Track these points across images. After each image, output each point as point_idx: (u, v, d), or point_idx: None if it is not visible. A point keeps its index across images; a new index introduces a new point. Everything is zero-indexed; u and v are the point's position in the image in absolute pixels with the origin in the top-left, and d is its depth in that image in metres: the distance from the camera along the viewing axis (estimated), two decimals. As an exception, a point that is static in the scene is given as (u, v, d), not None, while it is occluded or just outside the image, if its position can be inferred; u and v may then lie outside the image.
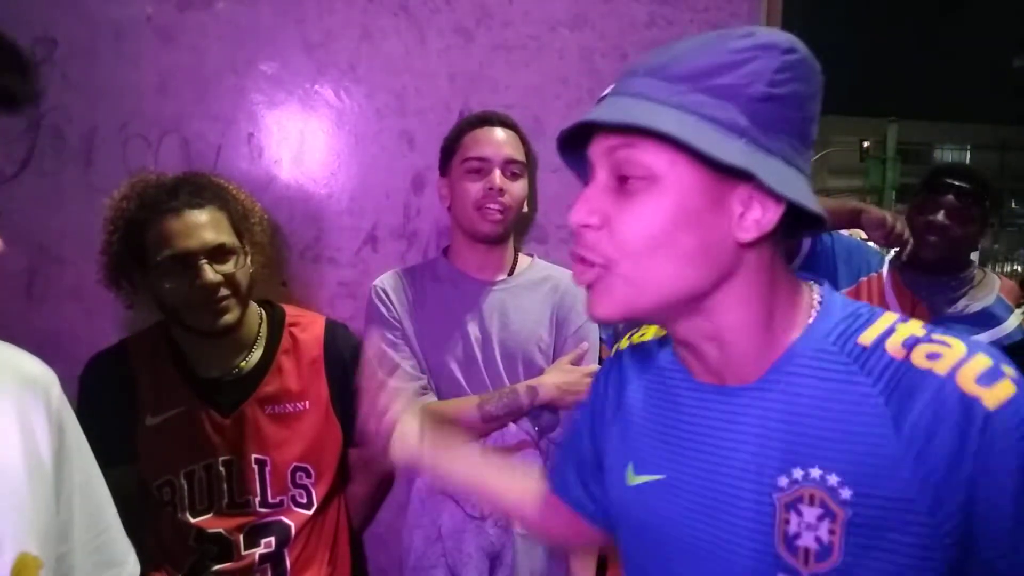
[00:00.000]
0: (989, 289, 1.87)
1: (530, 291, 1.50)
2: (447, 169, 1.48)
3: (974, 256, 1.99)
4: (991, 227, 1.88)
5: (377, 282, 1.51)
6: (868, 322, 0.67)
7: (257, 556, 1.34)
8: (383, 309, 1.47)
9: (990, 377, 0.59)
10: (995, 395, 0.58)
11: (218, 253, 1.26)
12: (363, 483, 1.57)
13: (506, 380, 1.44)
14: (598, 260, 0.66)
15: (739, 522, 0.67)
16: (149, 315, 1.38)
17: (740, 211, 0.64)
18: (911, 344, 0.63)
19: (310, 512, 1.39)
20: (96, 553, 0.78)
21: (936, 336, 0.63)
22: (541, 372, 1.47)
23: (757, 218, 0.64)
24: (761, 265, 0.67)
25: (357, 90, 1.63)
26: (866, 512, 0.61)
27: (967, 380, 0.59)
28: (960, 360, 0.60)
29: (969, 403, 0.58)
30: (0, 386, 0.68)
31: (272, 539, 1.35)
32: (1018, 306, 1.83)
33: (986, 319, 1.82)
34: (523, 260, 1.56)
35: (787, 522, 0.64)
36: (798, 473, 0.64)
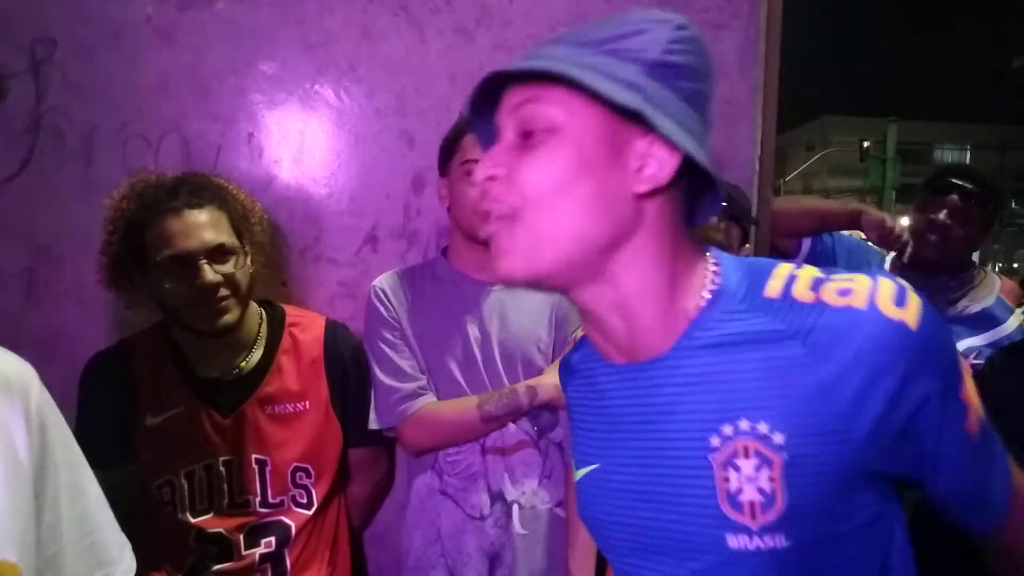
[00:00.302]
0: (989, 290, 1.87)
1: (526, 294, 1.49)
2: (447, 169, 1.47)
3: (975, 257, 1.99)
4: (991, 229, 1.89)
5: (376, 282, 1.50)
6: (767, 275, 0.69)
7: (257, 556, 1.34)
8: (382, 309, 1.46)
9: (901, 298, 0.62)
10: (911, 314, 0.62)
11: (218, 253, 1.26)
12: (363, 483, 1.57)
13: (505, 381, 1.44)
14: (504, 211, 0.68)
15: (679, 492, 0.68)
16: (149, 315, 1.38)
17: (637, 165, 0.66)
18: (817, 285, 0.65)
19: (310, 512, 1.39)
20: (87, 552, 0.77)
21: (835, 275, 0.66)
22: (540, 372, 1.47)
23: (653, 172, 0.66)
24: (662, 223, 0.68)
25: (357, 90, 1.63)
26: (800, 452, 0.62)
27: (887, 306, 0.62)
28: (871, 289, 0.63)
29: (896, 327, 0.61)
30: None
31: (272, 539, 1.35)
32: (1018, 305, 1.83)
33: (986, 320, 1.82)
34: None
35: (726, 480, 0.65)
36: (728, 429, 0.65)
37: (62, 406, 0.80)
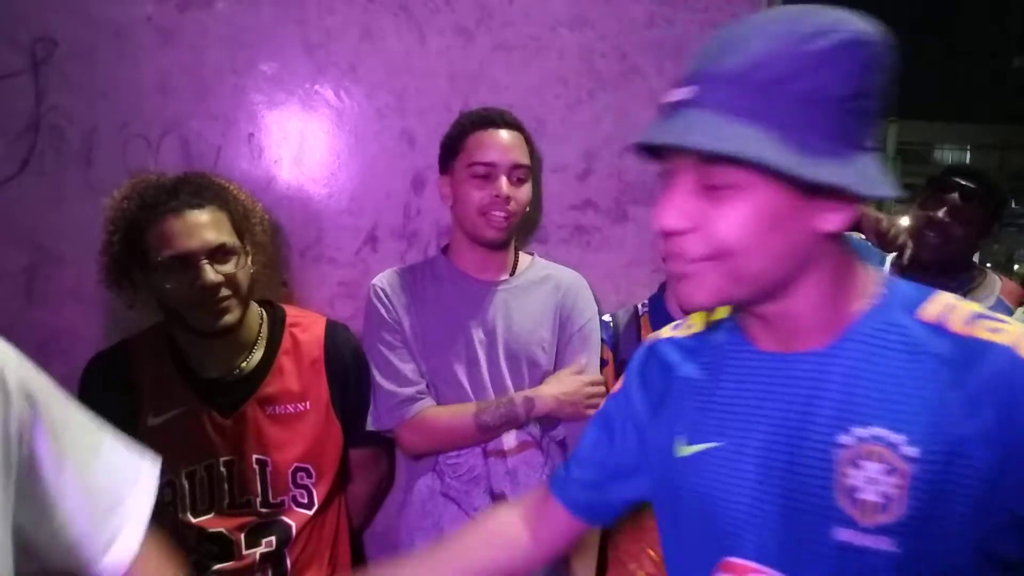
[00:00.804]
0: (989, 291, 1.87)
1: (532, 291, 1.50)
2: (449, 168, 1.45)
3: (975, 258, 1.99)
4: (992, 230, 1.88)
5: (376, 281, 1.49)
6: (926, 298, 0.72)
7: (258, 556, 1.34)
8: (382, 310, 1.46)
9: None
10: None
11: (219, 253, 1.26)
12: (363, 483, 1.57)
13: (509, 382, 1.44)
14: (696, 259, 0.69)
15: (799, 479, 0.71)
16: (150, 315, 1.38)
17: (826, 209, 0.68)
18: (972, 320, 0.68)
19: (311, 512, 1.39)
20: (96, 506, 0.78)
21: (993, 315, 0.69)
22: (545, 373, 1.47)
23: (841, 217, 0.68)
24: (837, 249, 0.72)
25: (357, 90, 1.63)
26: (931, 469, 0.64)
27: None
28: (1020, 333, 0.66)
29: None
30: None
31: (273, 539, 1.35)
32: (1019, 306, 1.83)
33: None
34: (524, 259, 1.55)
35: (846, 476, 0.68)
36: (861, 431, 0.68)
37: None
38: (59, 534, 0.75)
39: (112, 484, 0.81)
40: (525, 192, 1.44)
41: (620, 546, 1.54)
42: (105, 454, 0.82)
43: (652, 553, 1.50)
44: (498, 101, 1.64)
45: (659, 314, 1.56)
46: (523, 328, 1.46)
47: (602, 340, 1.55)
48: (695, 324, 0.90)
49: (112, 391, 1.33)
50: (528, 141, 1.47)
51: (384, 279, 1.49)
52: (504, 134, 1.41)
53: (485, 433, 1.40)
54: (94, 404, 1.30)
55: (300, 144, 1.63)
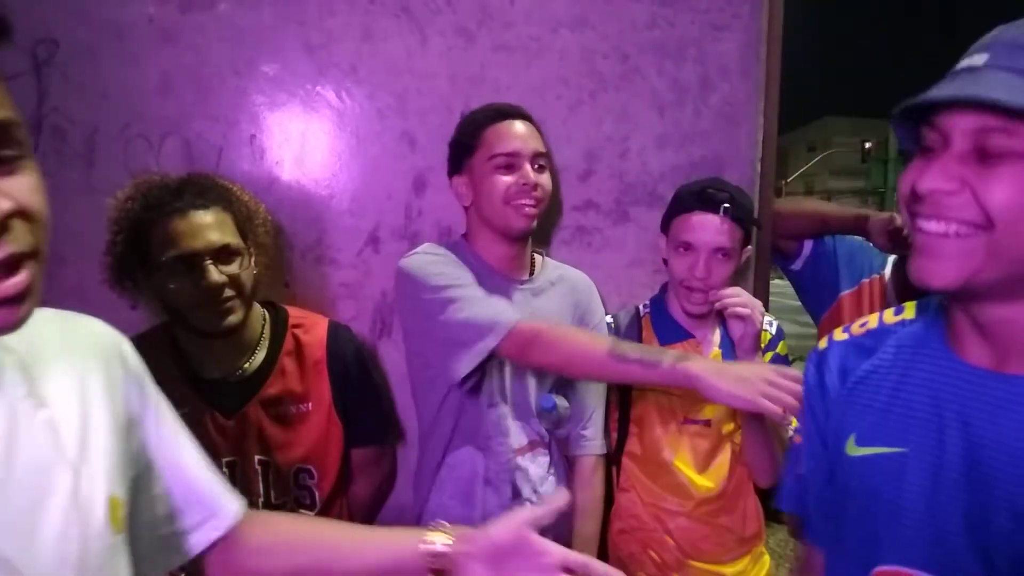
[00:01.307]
0: None
1: (550, 291, 1.48)
2: (466, 167, 1.42)
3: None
4: None
5: (408, 255, 1.40)
6: None
7: (259, 557, 1.34)
8: (436, 257, 1.37)
9: None
10: None
11: (223, 254, 1.26)
12: (365, 484, 1.57)
13: (532, 385, 1.42)
14: (962, 222, 0.67)
15: (994, 498, 0.69)
16: (151, 315, 1.38)
17: None
18: None
19: (313, 513, 1.39)
20: (188, 497, 0.81)
21: None
22: (555, 377, 1.45)
23: None
24: None
25: (358, 91, 1.63)
26: None
27: None
28: None
29: None
30: (84, 351, 0.72)
31: None
32: None
33: None
34: (536, 259, 1.54)
35: None
36: None
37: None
38: (155, 504, 0.78)
39: (203, 474, 0.83)
40: (548, 180, 1.43)
41: (622, 548, 1.54)
42: (194, 450, 0.84)
43: (654, 555, 1.50)
44: (497, 101, 1.64)
45: (661, 315, 1.56)
46: None
47: None
48: (870, 321, 0.88)
49: (114, 392, 1.33)
50: (540, 131, 1.47)
51: (433, 247, 1.42)
52: (521, 124, 1.41)
53: (617, 362, 1.22)
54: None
55: (301, 145, 1.63)
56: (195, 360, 1.36)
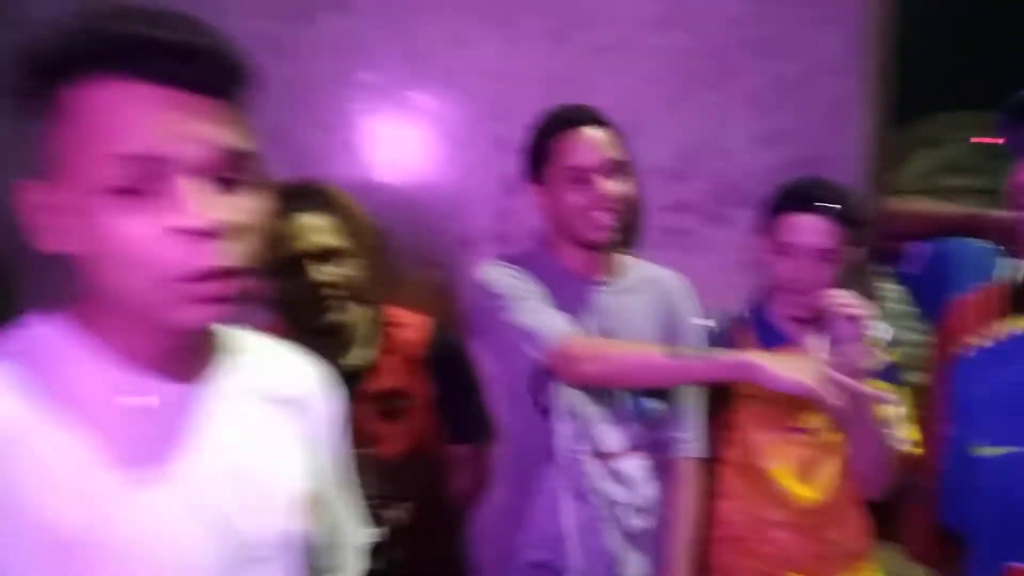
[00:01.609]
0: None
1: (636, 294, 1.43)
2: (541, 176, 1.39)
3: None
4: None
5: (485, 265, 1.39)
6: None
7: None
8: (507, 274, 1.35)
9: None
10: None
11: (324, 255, 1.32)
12: (463, 481, 1.59)
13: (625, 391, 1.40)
14: None
15: None
16: (269, 313, 1.45)
17: None
18: None
19: (417, 505, 1.42)
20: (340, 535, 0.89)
21: None
22: None
23: None
24: None
25: (452, 96, 1.66)
26: None
27: None
28: None
29: None
30: (294, 372, 0.82)
31: (383, 530, 1.39)
32: None
33: None
34: (623, 259, 1.49)
35: None
36: None
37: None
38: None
39: (343, 525, 0.90)
40: (626, 188, 1.37)
41: (720, 557, 1.49)
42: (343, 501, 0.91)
43: (752, 565, 1.45)
44: (590, 103, 1.63)
45: (761, 320, 1.50)
46: (628, 331, 1.40)
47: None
48: (1001, 327, 0.89)
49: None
50: (618, 133, 1.40)
51: (505, 263, 1.40)
52: (592, 131, 1.35)
53: (675, 361, 1.22)
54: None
55: (397, 150, 1.68)
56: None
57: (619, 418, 1.41)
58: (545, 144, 1.38)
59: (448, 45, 1.65)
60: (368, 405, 1.41)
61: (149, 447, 0.62)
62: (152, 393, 0.63)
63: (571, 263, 1.42)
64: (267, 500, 0.69)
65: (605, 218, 1.34)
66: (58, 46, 0.57)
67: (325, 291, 1.31)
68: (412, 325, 1.49)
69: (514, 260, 1.43)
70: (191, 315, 0.60)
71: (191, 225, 0.57)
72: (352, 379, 1.41)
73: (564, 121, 1.36)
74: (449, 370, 1.46)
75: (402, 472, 1.42)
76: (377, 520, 1.39)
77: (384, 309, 1.51)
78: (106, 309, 0.62)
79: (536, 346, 1.29)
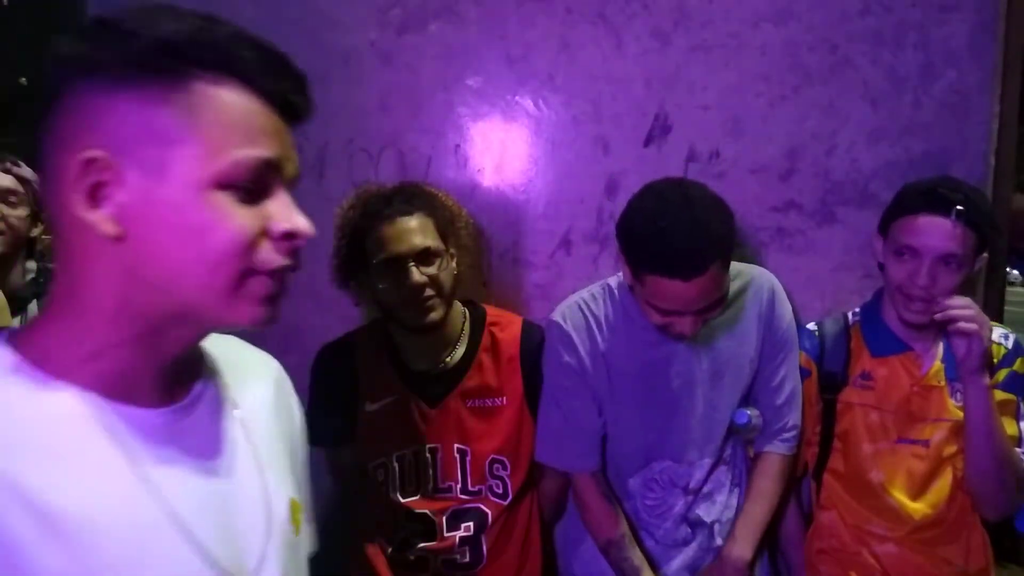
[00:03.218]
0: None
1: (731, 308, 1.38)
2: (632, 280, 1.29)
3: None
4: None
5: (557, 317, 1.40)
6: None
7: (457, 539, 1.44)
8: (564, 354, 1.38)
9: None
10: None
11: (425, 256, 1.38)
12: (553, 480, 1.62)
13: (704, 423, 1.39)
14: None
15: None
16: (372, 312, 1.53)
17: None
18: None
19: (505, 503, 1.46)
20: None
21: None
22: (747, 389, 1.41)
23: None
24: None
25: (555, 99, 1.68)
26: None
27: None
28: None
29: None
30: (261, 370, 0.80)
31: (471, 524, 1.45)
32: None
33: None
34: None
35: None
36: None
37: (297, 389, 0.93)
38: None
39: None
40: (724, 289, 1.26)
41: (821, 569, 1.45)
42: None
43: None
44: (694, 102, 1.62)
45: (874, 325, 1.44)
46: (728, 356, 1.38)
47: (805, 350, 1.47)
48: None
49: (338, 378, 1.50)
50: (724, 265, 1.22)
51: (567, 317, 1.40)
52: (689, 287, 1.16)
53: (608, 548, 1.41)
54: (322, 389, 1.49)
55: (501, 153, 1.72)
56: (404, 353, 1.49)
57: (713, 453, 1.42)
58: (636, 272, 1.25)
59: (552, 49, 1.67)
60: (464, 402, 1.46)
61: (138, 482, 0.59)
62: (141, 421, 0.61)
63: None
64: (259, 517, 0.68)
65: (684, 326, 1.25)
66: (204, 37, 0.58)
67: (426, 292, 1.36)
68: (508, 325, 1.53)
69: (589, 309, 1.40)
70: (250, 313, 0.62)
71: (298, 229, 0.62)
72: (450, 377, 1.47)
73: (657, 265, 1.18)
74: (538, 370, 1.49)
75: (493, 469, 1.47)
76: (465, 515, 1.45)
77: (483, 308, 1.56)
78: (100, 323, 0.60)
79: (557, 461, 1.46)
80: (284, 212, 0.62)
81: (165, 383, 0.64)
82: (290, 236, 0.62)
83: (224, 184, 0.58)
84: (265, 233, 0.61)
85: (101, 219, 0.57)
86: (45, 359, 0.59)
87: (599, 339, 1.38)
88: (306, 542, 0.77)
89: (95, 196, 0.57)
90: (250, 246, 0.60)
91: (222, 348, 0.75)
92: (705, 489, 1.42)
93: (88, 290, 0.60)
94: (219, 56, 0.59)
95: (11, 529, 0.52)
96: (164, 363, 0.64)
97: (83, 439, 0.58)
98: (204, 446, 0.66)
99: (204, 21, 0.59)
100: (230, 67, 0.59)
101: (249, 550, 0.66)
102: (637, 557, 1.39)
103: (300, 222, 0.62)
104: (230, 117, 0.59)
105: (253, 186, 0.60)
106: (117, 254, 0.58)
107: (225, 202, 0.58)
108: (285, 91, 0.62)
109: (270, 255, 0.61)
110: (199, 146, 0.57)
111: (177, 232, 0.58)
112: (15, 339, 0.60)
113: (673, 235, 1.14)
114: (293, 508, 0.72)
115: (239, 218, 0.59)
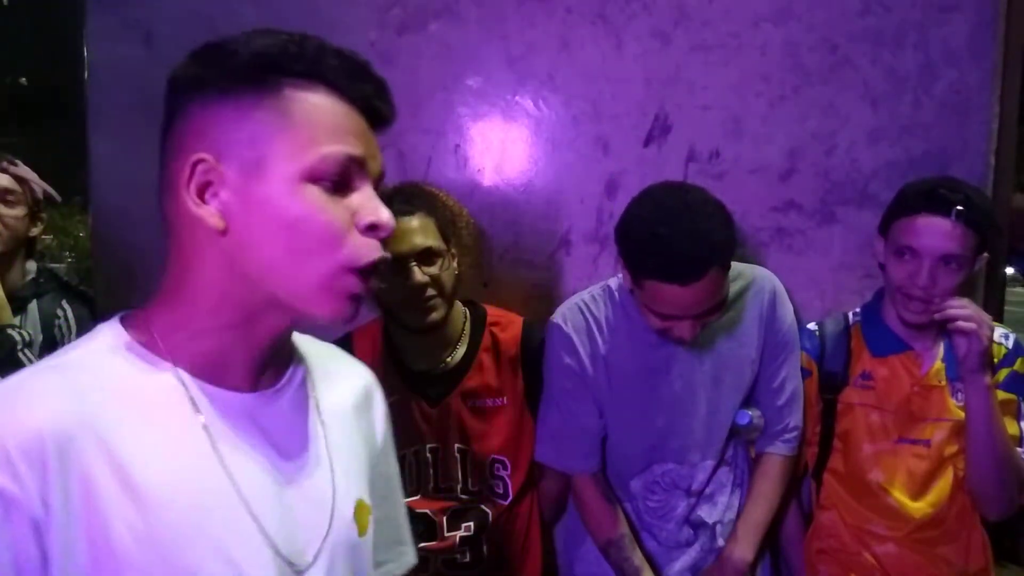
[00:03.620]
0: None
1: (732, 309, 1.39)
2: (631, 284, 1.29)
3: None
4: None
5: (557, 319, 1.41)
6: None
7: (458, 538, 1.44)
8: (565, 357, 1.39)
9: None
10: None
11: (425, 256, 1.37)
12: (554, 480, 1.61)
13: (696, 424, 1.39)
14: None
15: None
16: (373, 311, 1.53)
17: None
18: None
19: (506, 503, 1.46)
20: (395, 528, 0.90)
21: None
22: (749, 389, 1.41)
23: None
24: None
25: (555, 99, 1.68)
26: None
27: None
28: None
29: None
30: (351, 377, 0.85)
31: (471, 524, 1.45)
32: None
33: None
34: None
35: None
36: None
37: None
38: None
39: (403, 520, 0.92)
40: (724, 293, 1.26)
41: (821, 569, 1.45)
42: (401, 493, 0.93)
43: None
44: (694, 102, 1.62)
45: (874, 324, 1.44)
46: (729, 357, 1.39)
47: (806, 350, 1.47)
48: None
49: (338, 377, 1.49)
50: (724, 270, 1.21)
51: (567, 319, 1.40)
52: (688, 291, 1.16)
53: (607, 549, 1.41)
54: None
55: (501, 153, 1.72)
56: (404, 352, 1.49)
57: (716, 455, 1.42)
58: (635, 277, 1.25)
59: (552, 49, 1.67)
60: (465, 402, 1.46)
61: (215, 458, 0.64)
62: (227, 402, 0.67)
63: None
64: (323, 511, 0.71)
65: (684, 331, 1.26)
66: (292, 49, 0.64)
67: (427, 292, 1.36)
68: (509, 325, 1.53)
69: (589, 310, 1.41)
70: (336, 308, 0.65)
71: (383, 221, 0.65)
72: (451, 377, 1.46)
73: (662, 273, 1.18)
74: (538, 370, 1.49)
75: (493, 469, 1.47)
76: (466, 515, 1.45)
77: (483, 308, 1.56)
78: (202, 310, 0.65)
79: (558, 463, 1.46)
80: (370, 205, 0.65)
81: (255, 370, 0.69)
82: (374, 227, 0.65)
83: (314, 177, 0.63)
84: (353, 225, 0.64)
85: (208, 213, 0.63)
86: (151, 340, 0.66)
87: (600, 341, 1.38)
88: (370, 545, 0.78)
89: (203, 195, 0.63)
90: (339, 235, 0.64)
91: (318, 350, 0.81)
92: (707, 491, 1.42)
93: (195, 279, 0.65)
94: (306, 64, 0.64)
95: (97, 482, 0.58)
96: (255, 351, 0.68)
97: (172, 413, 0.64)
98: (282, 434, 0.70)
99: (294, 36, 0.65)
100: (317, 74, 0.65)
101: (308, 540, 0.69)
102: (638, 558, 1.39)
103: (384, 214, 0.66)
104: (318, 117, 0.64)
105: (340, 179, 0.64)
106: (221, 246, 0.64)
107: (315, 194, 0.63)
108: (368, 95, 0.68)
109: (362, 247, 0.65)
110: (290, 143, 0.63)
111: (273, 223, 0.63)
112: (126, 320, 0.68)
113: (672, 241, 1.14)
114: (359, 509, 0.75)
115: (329, 208, 0.63)
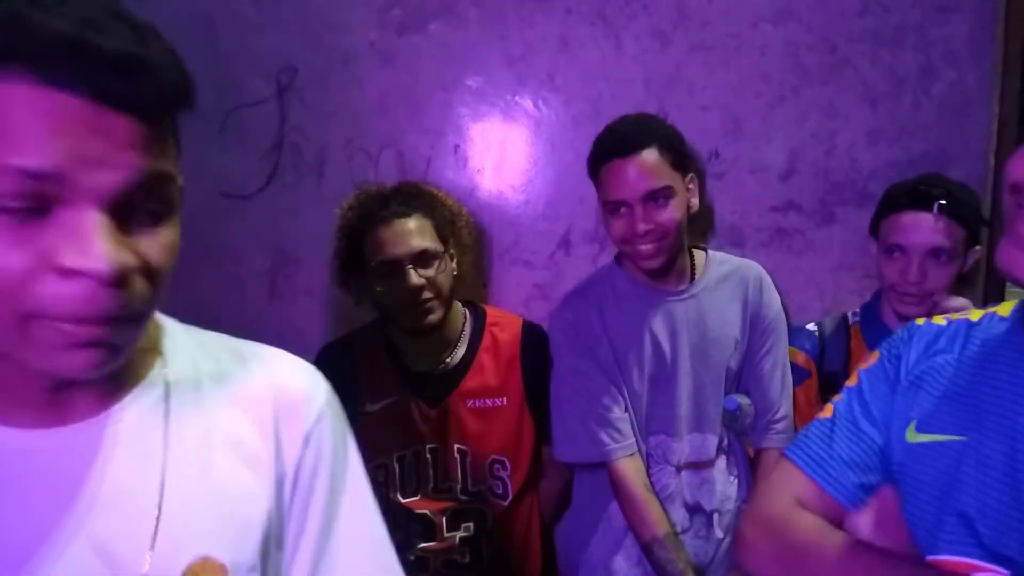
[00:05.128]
0: None
1: (717, 291, 1.44)
2: (598, 196, 1.40)
3: None
4: None
5: (559, 308, 1.49)
6: None
7: (457, 539, 1.44)
8: (573, 340, 1.43)
9: None
10: None
11: (422, 258, 1.37)
12: (555, 479, 1.62)
13: (683, 399, 1.41)
14: None
15: None
16: (372, 311, 1.52)
17: None
18: None
19: (506, 503, 1.46)
20: (375, 564, 0.76)
21: None
22: (734, 375, 1.43)
23: None
24: None
25: (555, 99, 1.68)
26: None
27: None
28: None
29: None
30: (258, 397, 0.67)
31: (471, 524, 1.44)
32: None
33: None
34: (699, 257, 1.48)
35: None
36: None
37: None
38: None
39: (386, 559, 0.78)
40: (670, 212, 1.31)
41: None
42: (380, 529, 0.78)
43: None
44: (694, 103, 1.62)
45: (873, 324, 1.45)
46: (714, 333, 1.42)
47: (805, 350, 1.47)
48: (957, 314, 0.85)
49: (337, 379, 1.46)
50: (671, 148, 1.33)
51: (569, 306, 1.47)
52: (630, 165, 1.29)
53: (651, 546, 1.34)
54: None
55: (501, 153, 1.72)
56: (404, 353, 1.49)
57: (698, 425, 1.42)
58: (594, 170, 1.39)
59: (552, 49, 1.67)
60: (465, 403, 1.46)
61: (38, 504, 0.54)
62: (33, 443, 0.55)
63: (642, 277, 1.43)
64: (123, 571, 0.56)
65: (646, 250, 1.33)
66: None
67: (424, 294, 1.36)
68: (509, 325, 1.53)
69: (588, 288, 1.47)
70: (66, 362, 0.50)
71: (91, 268, 0.47)
72: (451, 378, 1.46)
73: (605, 148, 1.35)
74: (540, 370, 1.49)
75: (493, 469, 1.47)
76: (466, 515, 1.45)
77: (483, 309, 1.56)
78: None
79: (579, 452, 1.43)
80: (81, 242, 0.47)
81: (42, 404, 0.56)
82: (73, 273, 0.47)
83: None
84: (48, 266, 0.47)
85: None
86: None
87: (598, 320, 1.43)
88: None
89: None
90: (16, 282, 0.47)
91: (217, 358, 0.66)
92: (701, 473, 1.42)
93: None
94: (9, 49, 0.45)
95: None
96: (32, 383, 0.55)
97: None
98: (91, 478, 0.56)
99: (12, 6, 0.45)
100: (20, 60, 0.45)
101: None
102: (682, 560, 1.33)
103: (92, 253, 0.47)
104: (2, 120, 0.45)
105: (26, 204, 0.46)
106: None
107: None
108: (116, 84, 0.47)
109: (60, 296, 0.47)
110: None
111: None
112: None
113: (617, 127, 1.37)
114: (200, 570, 0.59)
115: (5, 250, 0.46)
